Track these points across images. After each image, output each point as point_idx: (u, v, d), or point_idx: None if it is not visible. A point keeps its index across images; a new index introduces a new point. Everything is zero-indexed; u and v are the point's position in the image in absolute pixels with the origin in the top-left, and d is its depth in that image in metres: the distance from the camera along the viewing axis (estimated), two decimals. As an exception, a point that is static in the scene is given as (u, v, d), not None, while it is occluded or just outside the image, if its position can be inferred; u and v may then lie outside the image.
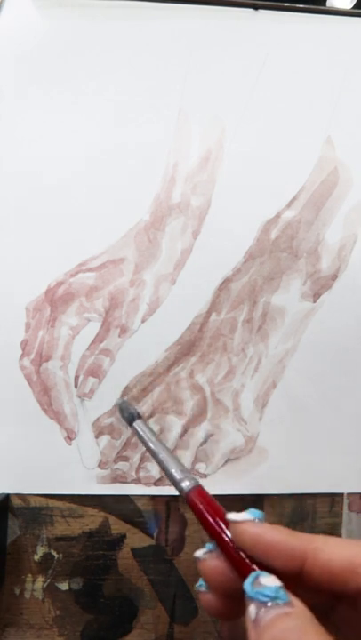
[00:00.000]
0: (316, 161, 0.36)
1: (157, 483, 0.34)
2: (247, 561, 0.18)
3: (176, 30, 0.36)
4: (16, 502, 0.34)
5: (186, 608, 0.34)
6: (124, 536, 0.34)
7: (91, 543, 0.34)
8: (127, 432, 0.34)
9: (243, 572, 0.18)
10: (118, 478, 0.34)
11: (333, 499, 0.35)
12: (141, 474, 0.34)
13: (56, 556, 0.34)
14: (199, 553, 0.20)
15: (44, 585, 0.34)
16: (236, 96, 0.36)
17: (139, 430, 0.27)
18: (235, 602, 0.19)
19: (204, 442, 0.35)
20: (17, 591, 0.34)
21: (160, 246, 0.35)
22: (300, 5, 0.37)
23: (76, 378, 0.34)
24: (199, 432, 0.35)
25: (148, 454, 0.34)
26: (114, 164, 0.36)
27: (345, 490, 0.35)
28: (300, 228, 0.36)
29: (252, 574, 0.17)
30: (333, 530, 0.35)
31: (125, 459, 0.34)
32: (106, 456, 0.34)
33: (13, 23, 0.36)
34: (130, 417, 0.28)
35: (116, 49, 0.36)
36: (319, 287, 0.36)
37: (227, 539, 0.19)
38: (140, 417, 0.28)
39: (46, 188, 0.35)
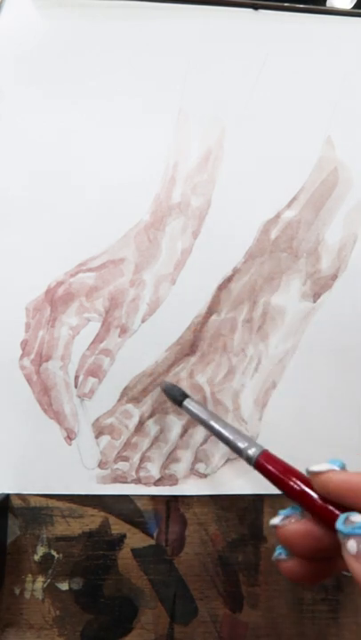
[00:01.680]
0: (316, 161, 0.36)
1: (157, 483, 0.34)
2: (333, 509, 0.19)
3: (176, 30, 0.36)
4: (16, 502, 0.34)
5: (186, 608, 0.34)
6: (124, 536, 0.34)
7: (91, 543, 0.34)
8: (127, 432, 0.35)
9: (330, 521, 0.19)
10: (118, 478, 0.34)
11: (333, 499, 0.35)
12: (141, 474, 0.34)
13: (56, 556, 0.34)
14: (276, 520, 0.21)
15: (44, 585, 0.34)
16: (236, 96, 0.36)
17: (190, 409, 0.29)
18: (316, 564, 0.20)
19: (204, 442, 0.35)
20: (17, 591, 0.34)
21: (160, 246, 0.35)
22: (300, 5, 0.37)
23: (76, 378, 0.34)
24: (199, 432, 0.35)
25: (148, 454, 0.34)
26: (114, 164, 0.36)
27: (345, 490, 0.35)
28: (300, 228, 0.36)
29: (342, 515, 0.18)
30: (333, 530, 0.35)
31: (125, 459, 0.34)
32: (106, 456, 0.34)
33: (13, 23, 0.36)
34: (178, 398, 0.30)
35: (116, 49, 0.36)
36: (319, 287, 0.36)
37: (307, 493, 0.20)
38: (187, 396, 0.30)
39: (46, 188, 0.35)
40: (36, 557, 0.34)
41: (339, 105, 0.37)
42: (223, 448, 0.35)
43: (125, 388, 0.35)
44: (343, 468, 0.20)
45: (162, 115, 0.36)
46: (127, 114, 0.36)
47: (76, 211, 0.35)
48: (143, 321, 0.35)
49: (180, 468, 0.34)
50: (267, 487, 0.35)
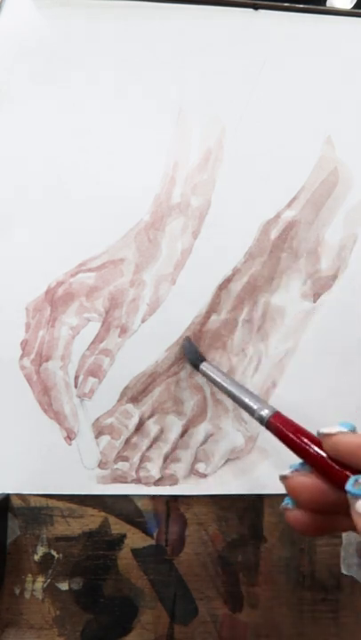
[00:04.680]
0: (316, 161, 0.36)
1: (157, 483, 0.34)
2: (342, 470, 0.20)
3: (176, 30, 0.36)
4: (16, 502, 0.34)
5: (186, 608, 0.34)
6: (124, 536, 0.34)
7: (91, 543, 0.34)
8: (127, 432, 0.35)
9: (339, 481, 0.20)
10: (118, 478, 0.34)
11: (333, 499, 0.35)
12: (141, 474, 0.34)
13: (56, 556, 0.34)
14: (285, 472, 0.22)
15: (44, 585, 0.34)
16: (236, 96, 0.36)
17: (207, 372, 0.31)
18: (321, 517, 0.21)
19: (204, 442, 0.35)
20: (17, 591, 0.34)
21: (160, 246, 0.35)
22: (300, 5, 0.37)
23: (76, 378, 0.34)
24: (199, 432, 0.35)
25: (148, 454, 0.34)
26: (114, 164, 0.36)
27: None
28: (300, 228, 0.36)
29: (352, 477, 0.19)
30: (333, 530, 0.35)
31: (125, 459, 0.34)
32: (106, 456, 0.34)
33: (13, 23, 0.36)
34: (195, 361, 0.32)
35: (116, 49, 0.36)
36: (319, 287, 0.36)
37: (317, 453, 0.21)
38: (204, 359, 0.32)
39: (46, 188, 0.35)
40: (36, 557, 0.34)
41: (339, 105, 0.37)
42: (223, 448, 0.35)
43: (125, 388, 0.35)
44: (353, 430, 0.21)
45: (162, 115, 0.36)
46: (127, 114, 0.36)
47: (76, 211, 0.35)
48: (143, 321, 0.35)
49: (180, 467, 0.34)
50: (267, 487, 0.35)
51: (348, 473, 0.20)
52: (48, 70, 0.36)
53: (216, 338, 0.35)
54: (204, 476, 0.34)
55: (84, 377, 0.34)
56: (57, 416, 0.34)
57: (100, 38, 0.36)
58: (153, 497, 0.35)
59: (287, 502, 0.22)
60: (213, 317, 0.35)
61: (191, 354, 0.33)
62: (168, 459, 0.35)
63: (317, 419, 0.35)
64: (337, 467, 0.20)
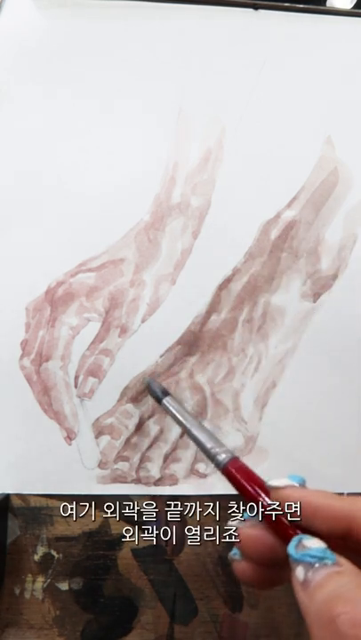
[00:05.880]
0: (316, 161, 0.36)
1: (157, 483, 0.34)
2: (289, 526, 0.19)
3: (176, 30, 0.36)
4: (16, 502, 0.34)
5: (186, 608, 0.34)
6: (124, 536, 0.34)
7: (91, 543, 0.34)
8: (127, 432, 0.35)
9: (285, 538, 0.18)
10: (118, 478, 0.34)
11: (333, 499, 0.35)
12: (141, 474, 0.34)
13: (56, 556, 0.34)
14: (234, 522, 0.21)
15: (44, 585, 0.34)
16: (236, 96, 0.36)
17: (169, 407, 0.30)
18: (269, 570, 0.19)
19: (204, 442, 0.35)
20: (17, 591, 0.34)
21: (160, 246, 0.35)
22: (300, 5, 0.37)
23: (76, 378, 0.34)
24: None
25: (148, 454, 0.34)
26: (114, 164, 0.36)
27: (345, 490, 0.35)
28: (300, 228, 0.36)
29: (295, 538, 0.18)
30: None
31: (125, 459, 0.34)
32: (106, 456, 0.34)
33: (13, 23, 0.36)
34: (158, 395, 0.31)
35: (115, 49, 0.36)
36: (319, 287, 0.36)
37: (267, 505, 0.20)
38: (167, 394, 0.31)
39: (46, 188, 0.35)
40: (36, 557, 0.34)
41: (339, 105, 0.37)
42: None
43: (125, 388, 0.35)
44: (303, 484, 0.20)
45: (162, 115, 0.36)
46: (127, 114, 0.36)
47: (76, 211, 0.35)
48: (143, 321, 0.35)
49: (180, 467, 0.34)
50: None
51: (294, 531, 0.18)
52: (48, 70, 0.36)
53: (216, 338, 0.35)
54: (204, 476, 0.34)
55: (84, 377, 0.34)
56: (57, 416, 0.34)
57: (99, 38, 0.36)
58: (153, 497, 0.35)
59: (235, 553, 0.21)
60: (213, 317, 0.35)
61: (155, 387, 0.32)
62: (168, 459, 0.35)
63: (317, 419, 0.35)
64: (286, 523, 0.19)
